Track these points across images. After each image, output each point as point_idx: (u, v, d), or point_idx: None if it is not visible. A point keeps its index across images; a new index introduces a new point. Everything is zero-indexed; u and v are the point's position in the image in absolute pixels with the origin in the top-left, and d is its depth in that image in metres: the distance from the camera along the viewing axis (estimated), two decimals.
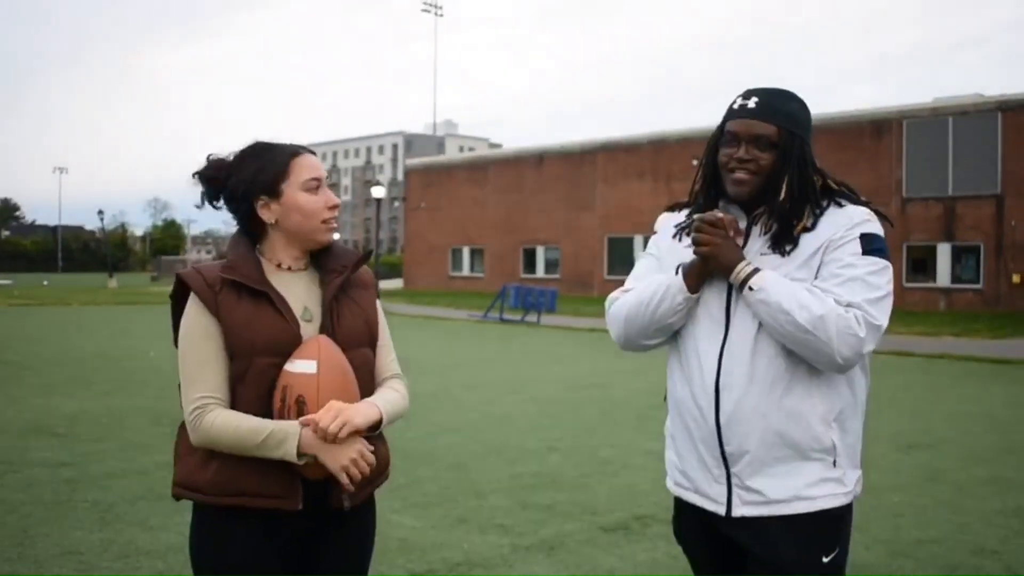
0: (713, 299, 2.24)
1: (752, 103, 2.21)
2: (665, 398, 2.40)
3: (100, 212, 66.14)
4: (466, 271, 45.80)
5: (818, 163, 2.25)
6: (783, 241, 2.19)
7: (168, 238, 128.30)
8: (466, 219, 45.46)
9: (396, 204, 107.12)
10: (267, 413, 2.13)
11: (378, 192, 40.14)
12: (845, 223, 2.17)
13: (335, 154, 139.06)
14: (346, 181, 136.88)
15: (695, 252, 2.21)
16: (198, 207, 2.34)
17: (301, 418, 2.08)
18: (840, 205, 2.22)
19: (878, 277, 2.12)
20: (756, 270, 2.15)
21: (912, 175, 30.36)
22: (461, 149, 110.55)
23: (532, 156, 43.34)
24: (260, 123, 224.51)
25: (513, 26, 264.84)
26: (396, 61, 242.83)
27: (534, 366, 14.40)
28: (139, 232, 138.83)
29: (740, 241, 2.23)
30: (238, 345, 2.13)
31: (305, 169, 2.24)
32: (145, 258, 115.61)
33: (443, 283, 45.75)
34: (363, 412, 2.14)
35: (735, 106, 2.24)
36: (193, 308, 2.18)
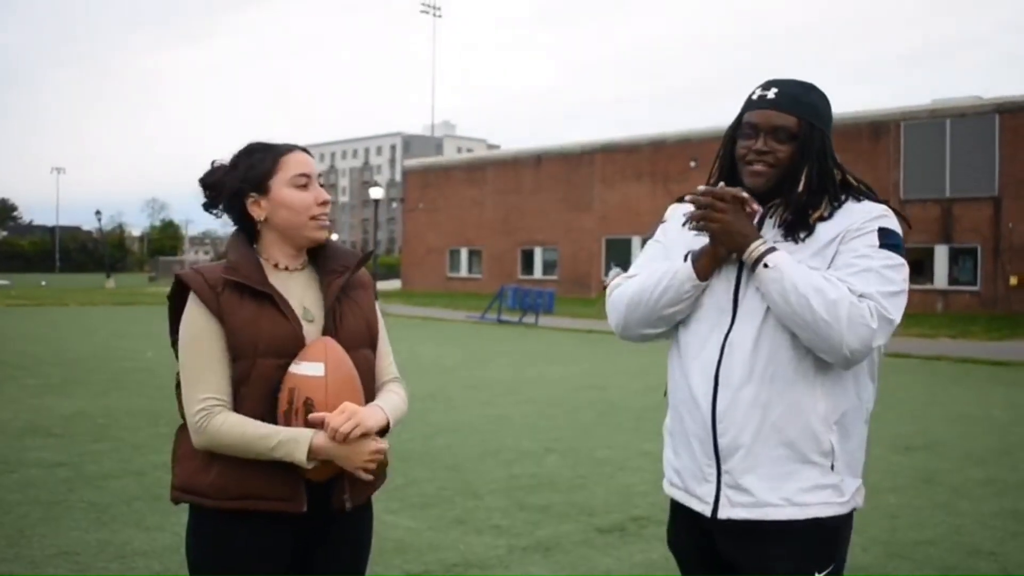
0: (720, 288, 2.15)
1: (772, 93, 2.14)
2: (665, 393, 2.32)
3: (98, 212, 66.03)
4: (464, 272, 45.80)
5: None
6: (798, 228, 2.11)
7: (166, 239, 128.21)
8: (464, 220, 45.46)
9: (394, 205, 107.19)
10: (271, 414, 2.12)
11: (376, 193, 40.15)
12: (863, 215, 2.10)
13: (333, 155, 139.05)
14: (344, 182, 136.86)
15: (705, 228, 2.11)
16: (213, 215, 2.33)
17: (311, 416, 2.07)
18: (859, 200, 2.15)
19: (894, 272, 2.04)
20: (773, 248, 2.06)
21: (910, 177, 30.39)
22: (459, 150, 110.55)
23: (530, 157, 43.36)
24: (259, 123, 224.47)
25: (512, 27, 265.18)
26: (394, 62, 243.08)
27: (531, 367, 14.40)
28: (137, 232, 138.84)
29: (755, 220, 2.14)
30: (241, 346, 2.12)
31: (293, 165, 2.23)
32: (143, 258, 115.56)
33: (441, 284, 45.75)
34: (373, 416, 2.14)
35: (754, 96, 2.17)
36: (194, 309, 2.16)
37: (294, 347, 2.13)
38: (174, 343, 2.25)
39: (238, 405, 2.13)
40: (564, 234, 40.84)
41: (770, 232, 2.14)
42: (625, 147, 39.25)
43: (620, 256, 36.27)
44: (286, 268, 2.26)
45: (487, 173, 45.22)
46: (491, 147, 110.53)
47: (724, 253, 2.13)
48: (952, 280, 29.88)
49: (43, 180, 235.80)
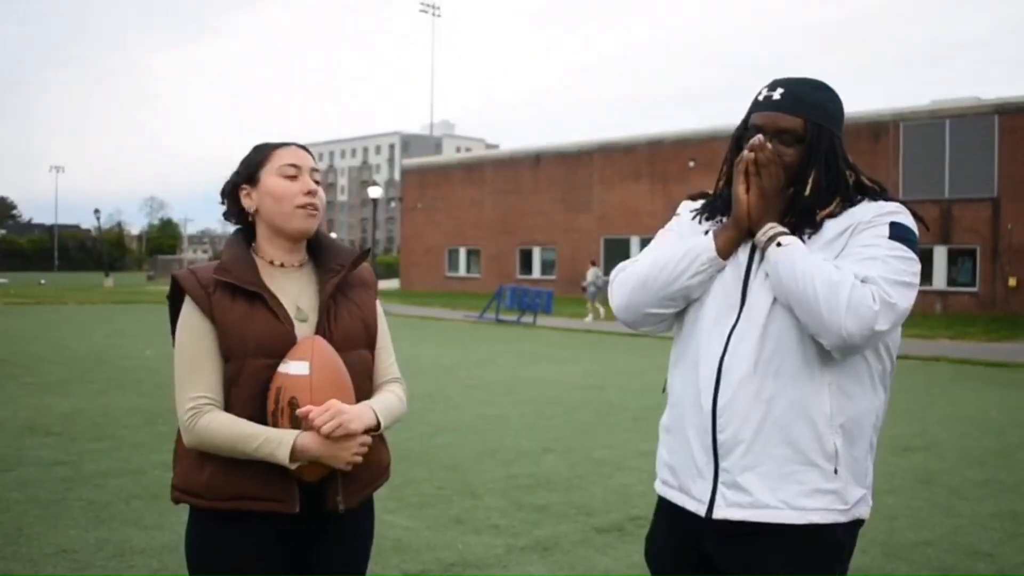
0: (729, 279, 2.09)
1: (777, 94, 2.08)
2: (664, 389, 2.25)
3: (96, 211, 66.07)
4: (462, 272, 45.80)
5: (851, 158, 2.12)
6: (804, 226, 2.06)
7: (164, 237, 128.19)
8: (463, 220, 45.45)
9: (392, 204, 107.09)
10: (261, 415, 2.12)
11: (375, 192, 40.17)
12: (876, 210, 2.04)
13: (332, 154, 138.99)
14: (343, 181, 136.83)
15: (756, 177, 2.04)
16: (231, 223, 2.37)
17: (297, 411, 2.07)
18: (875, 200, 2.09)
19: (901, 263, 1.96)
20: (788, 232, 2.03)
21: (909, 178, 30.39)
22: (458, 150, 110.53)
23: (529, 157, 43.36)
24: (258, 122, 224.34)
25: (511, 27, 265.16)
26: (393, 61, 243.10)
27: (530, 367, 14.39)
28: (135, 231, 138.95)
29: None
30: (231, 346, 2.12)
31: (283, 156, 2.25)
32: (141, 257, 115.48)
33: (439, 284, 45.74)
34: (359, 417, 2.12)
35: (760, 97, 2.11)
36: (188, 309, 2.18)
37: (285, 347, 2.13)
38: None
39: (230, 405, 2.13)
40: (562, 234, 40.83)
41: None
42: (623, 147, 39.25)
43: (621, 257, 36.28)
44: (282, 265, 2.26)
45: (486, 173, 45.22)
46: (490, 147, 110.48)
47: (745, 226, 2.08)
48: (951, 281, 29.89)
49: (42, 178, 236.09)
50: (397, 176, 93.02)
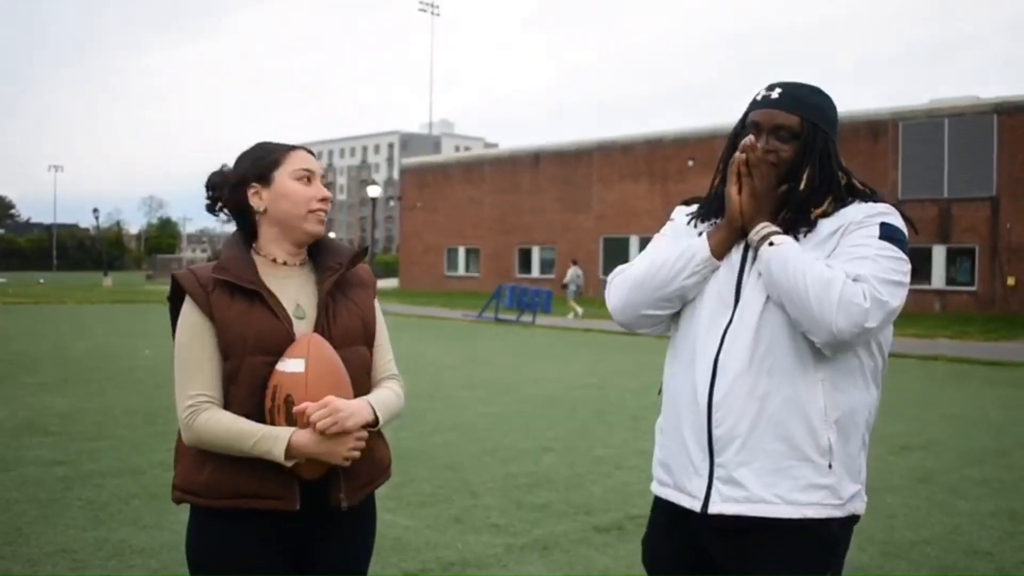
0: (724, 276, 2.13)
1: (776, 94, 2.15)
2: (660, 392, 2.28)
3: (95, 210, 65.89)
4: (461, 271, 45.79)
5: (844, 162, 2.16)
6: (799, 224, 2.10)
7: (163, 236, 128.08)
8: (462, 219, 45.44)
9: (392, 203, 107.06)
10: (260, 412, 2.12)
11: (374, 191, 40.18)
12: (866, 211, 2.09)
13: (331, 153, 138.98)
14: (342, 180, 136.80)
15: (747, 178, 2.08)
16: (215, 216, 2.36)
17: (294, 408, 2.08)
18: (865, 201, 2.13)
19: (890, 262, 2.00)
20: (780, 232, 2.07)
21: (907, 177, 30.39)
22: (457, 149, 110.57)
23: (528, 156, 43.34)
24: (257, 122, 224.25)
25: (510, 26, 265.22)
26: (392, 60, 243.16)
27: (529, 366, 14.40)
28: (134, 230, 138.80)
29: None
30: (230, 344, 2.13)
31: (298, 160, 2.27)
32: (140, 256, 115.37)
33: (438, 283, 45.73)
34: (356, 413, 2.13)
35: (758, 97, 2.18)
36: (187, 308, 2.19)
37: (283, 344, 2.14)
38: None
39: (228, 403, 2.14)
40: (562, 233, 40.82)
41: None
42: (623, 146, 39.22)
43: (620, 256, 36.27)
44: (284, 263, 2.27)
45: (485, 172, 45.20)
46: (489, 146, 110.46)
47: (738, 226, 2.12)
48: (949, 280, 29.89)
49: (40, 178, 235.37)
50: (396, 175, 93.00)
